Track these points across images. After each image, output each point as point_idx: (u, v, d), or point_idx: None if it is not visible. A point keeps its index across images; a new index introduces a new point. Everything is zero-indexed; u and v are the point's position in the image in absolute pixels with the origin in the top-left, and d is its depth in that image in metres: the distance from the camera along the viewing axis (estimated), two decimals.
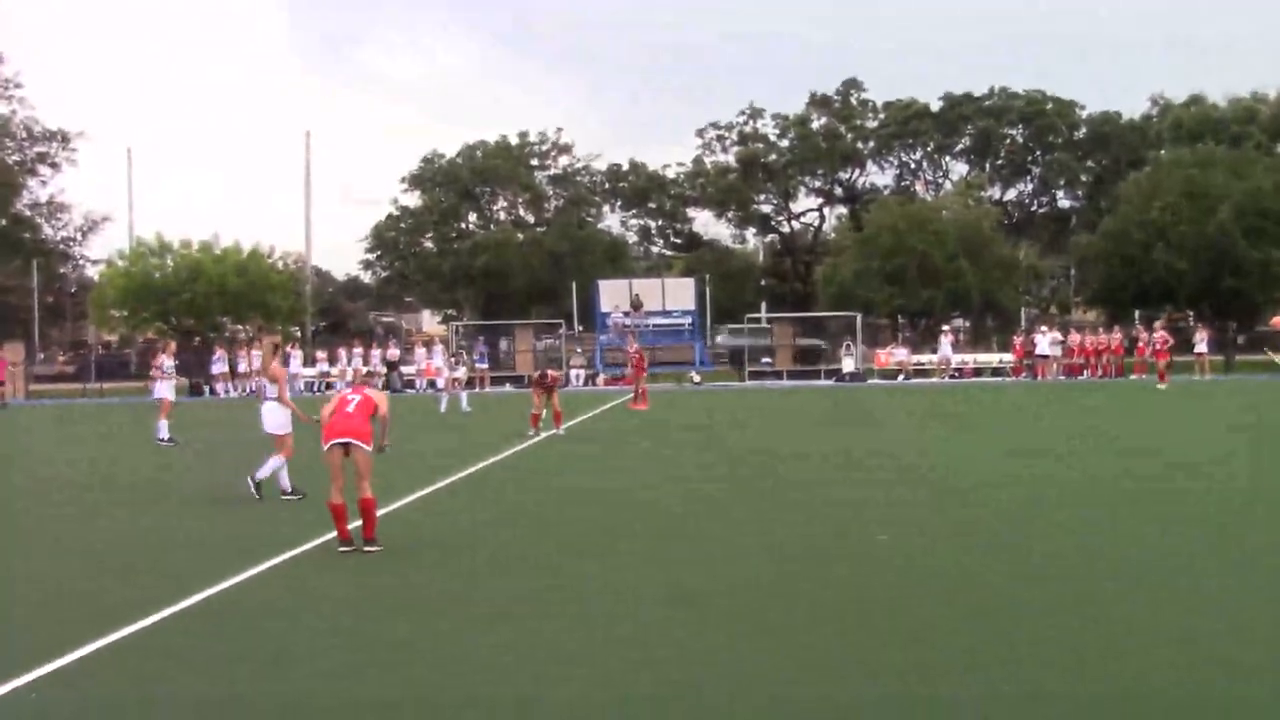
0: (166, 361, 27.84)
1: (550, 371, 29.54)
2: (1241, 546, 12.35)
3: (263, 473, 16.95)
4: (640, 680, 7.96)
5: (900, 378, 55.26)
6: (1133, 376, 49.75)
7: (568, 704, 7.52)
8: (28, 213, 77.88)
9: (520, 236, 79.59)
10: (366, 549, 12.57)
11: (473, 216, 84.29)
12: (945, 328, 59.17)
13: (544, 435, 26.46)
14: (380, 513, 13.27)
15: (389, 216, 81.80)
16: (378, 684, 7.94)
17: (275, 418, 17.34)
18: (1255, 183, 58.06)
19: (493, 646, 8.74)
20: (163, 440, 26.39)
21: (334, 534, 12.91)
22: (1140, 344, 52.27)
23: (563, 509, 15.74)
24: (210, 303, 60.46)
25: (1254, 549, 12.17)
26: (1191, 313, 65.38)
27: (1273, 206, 57.38)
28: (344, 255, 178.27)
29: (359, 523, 12.79)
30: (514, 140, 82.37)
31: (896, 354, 57.89)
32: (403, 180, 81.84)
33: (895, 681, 7.90)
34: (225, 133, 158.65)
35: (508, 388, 55.65)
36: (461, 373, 41.76)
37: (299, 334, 70.78)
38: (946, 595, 10.43)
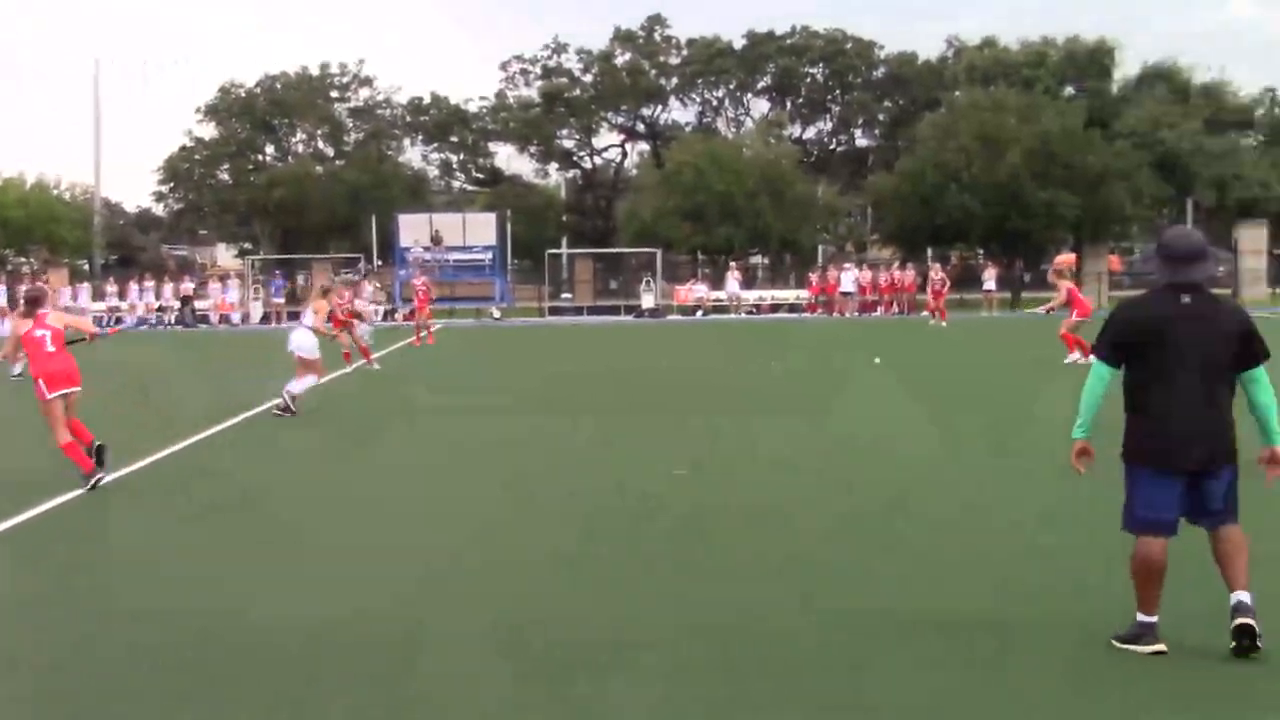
0: None
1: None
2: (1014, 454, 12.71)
3: (296, 388, 18.79)
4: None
5: (699, 314, 55.83)
6: (924, 314, 50.92)
7: None
8: None
9: (319, 169, 78.02)
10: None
11: (270, 149, 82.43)
12: (733, 264, 60.05)
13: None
14: None
15: (183, 148, 79.49)
16: None
17: (305, 340, 19.35)
18: (1044, 127, 59.68)
19: None
20: None
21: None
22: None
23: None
24: None
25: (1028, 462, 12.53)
26: (981, 251, 67.15)
27: (1059, 150, 59.04)
28: (136, 187, 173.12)
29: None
30: (315, 72, 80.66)
31: (696, 290, 58.48)
32: (198, 110, 79.63)
33: (710, 610, 7.96)
34: (9, 60, 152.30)
35: None
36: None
37: (87, 267, 68.80)
38: (750, 527, 10.60)
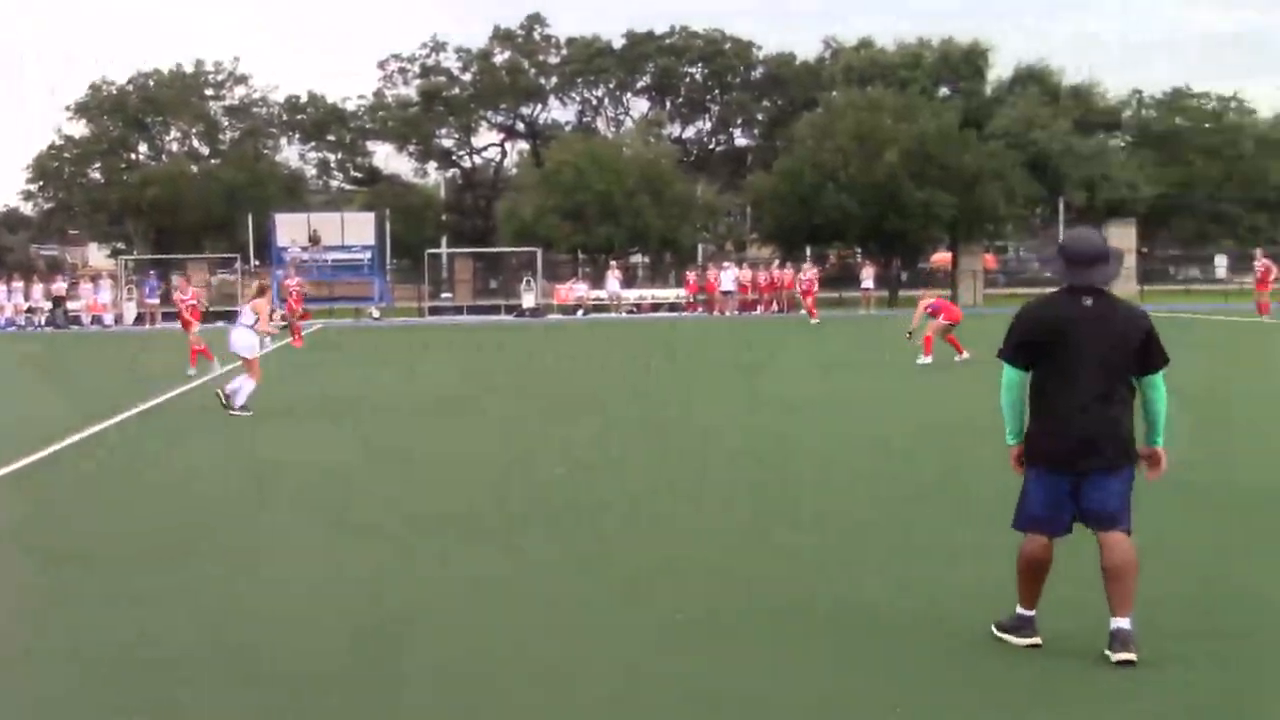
0: None
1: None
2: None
3: (232, 387, 18.87)
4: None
5: (579, 313, 55.84)
6: (802, 312, 51.36)
7: None
8: None
9: (194, 168, 76.86)
10: None
11: (144, 147, 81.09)
12: (613, 264, 60.21)
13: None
14: None
15: (52, 146, 77.90)
16: None
17: (245, 340, 19.37)
18: (920, 127, 60.43)
19: None
20: None
21: None
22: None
23: None
24: None
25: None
26: (859, 250, 67.93)
27: (935, 150, 59.84)
28: (3, 185, 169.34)
29: None
30: (189, 69, 79.44)
31: (576, 290, 58.51)
32: (68, 108, 78.05)
33: (564, 613, 7.95)
34: None
35: (179, 323, 54.01)
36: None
37: None
38: (621, 522, 10.62)
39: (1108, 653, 6.64)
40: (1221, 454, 13.43)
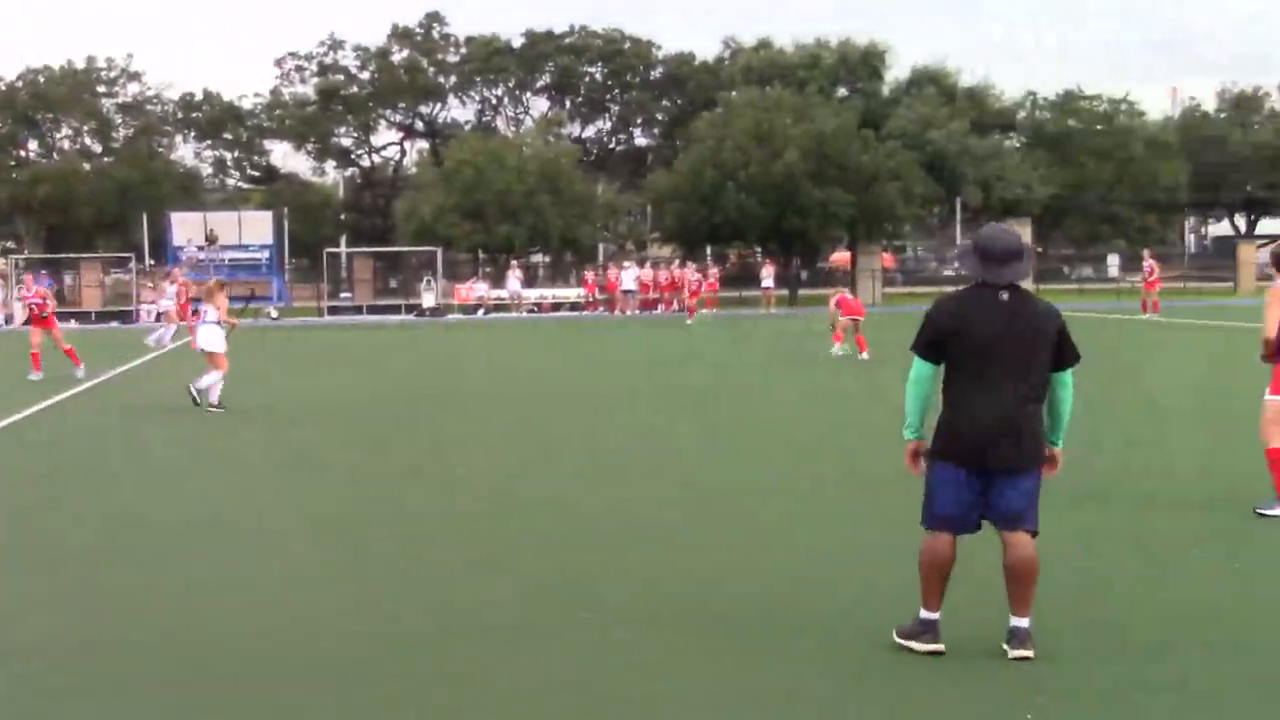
0: None
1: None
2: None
3: (201, 384, 19.04)
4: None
5: (480, 312, 55.72)
6: (704, 310, 51.57)
7: None
8: None
9: (86, 166, 75.67)
10: None
11: (34, 144, 79.77)
12: (514, 263, 60.18)
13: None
14: None
15: None
16: None
17: (212, 335, 19.43)
18: (818, 127, 60.90)
19: None
20: None
21: None
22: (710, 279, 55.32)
23: None
24: None
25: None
26: (759, 250, 68.34)
27: (833, 150, 60.34)
28: None
29: None
30: (80, 65, 78.15)
31: (476, 289, 58.38)
32: None
33: (482, 611, 7.92)
34: None
35: (73, 324, 53.22)
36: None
37: None
38: (524, 522, 10.58)
39: (1006, 648, 6.68)
40: (1123, 453, 13.65)
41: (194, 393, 18.99)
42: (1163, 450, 14.09)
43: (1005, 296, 6.70)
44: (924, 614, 6.87)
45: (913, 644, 6.85)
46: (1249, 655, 6.83)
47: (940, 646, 6.80)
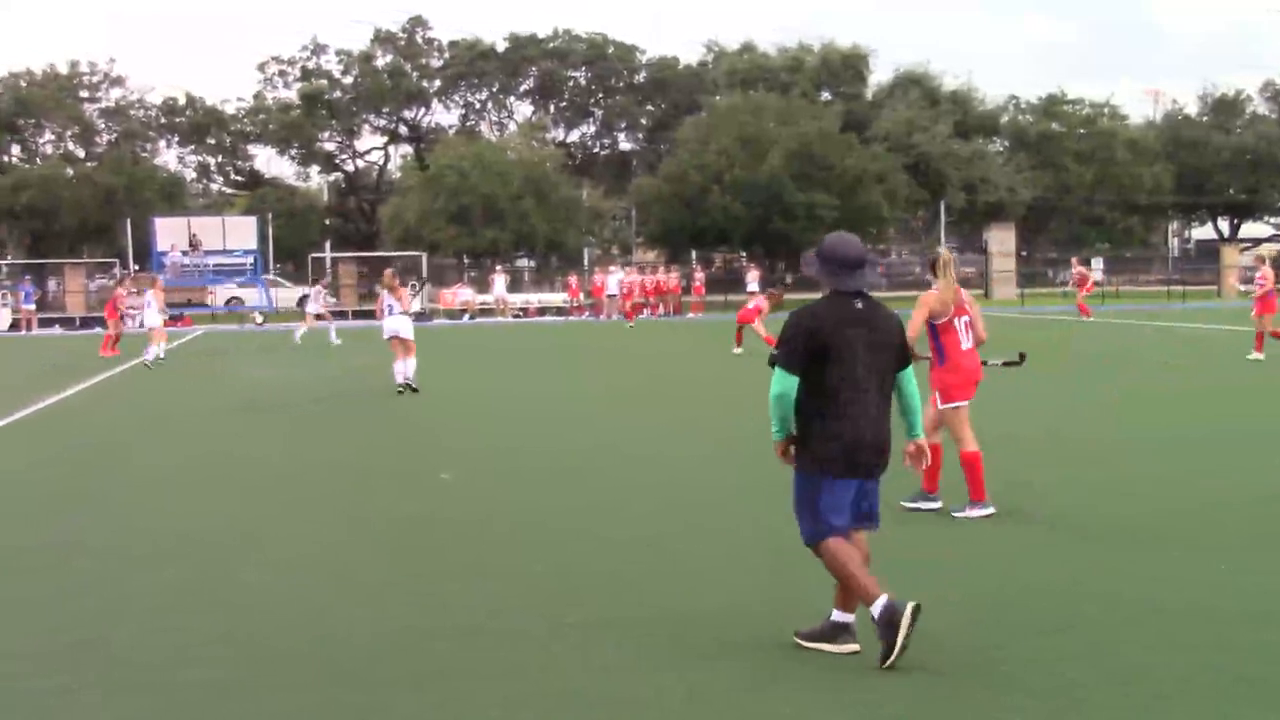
0: None
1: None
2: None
3: (410, 372, 21.33)
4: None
5: (465, 317, 55.66)
6: (689, 315, 51.58)
7: None
8: None
9: (69, 171, 75.47)
10: None
11: (16, 150, 79.54)
12: (499, 268, 60.16)
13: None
14: None
15: None
16: None
17: (402, 323, 21.26)
18: (802, 130, 60.97)
19: None
20: None
21: None
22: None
23: None
24: None
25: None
26: (744, 253, 68.40)
27: (818, 153, 60.40)
28: None
29: None
30: (63, 70, 77.95)
31: (462, 294, 58.34)
32: None
33: (463, 614, 7.92)
34: None
35: (57, 330, 53.23)
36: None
37: None
38: (509, 530, 10.58)
39: (855, 647, 6.76)
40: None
41: (409, 382, 21.14)
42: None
43: (859, 305, 6.79)
44: (839, 616, 6.86)
45: (826, 646, 6.83)
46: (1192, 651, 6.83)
47: (856, 646, 6.78)
